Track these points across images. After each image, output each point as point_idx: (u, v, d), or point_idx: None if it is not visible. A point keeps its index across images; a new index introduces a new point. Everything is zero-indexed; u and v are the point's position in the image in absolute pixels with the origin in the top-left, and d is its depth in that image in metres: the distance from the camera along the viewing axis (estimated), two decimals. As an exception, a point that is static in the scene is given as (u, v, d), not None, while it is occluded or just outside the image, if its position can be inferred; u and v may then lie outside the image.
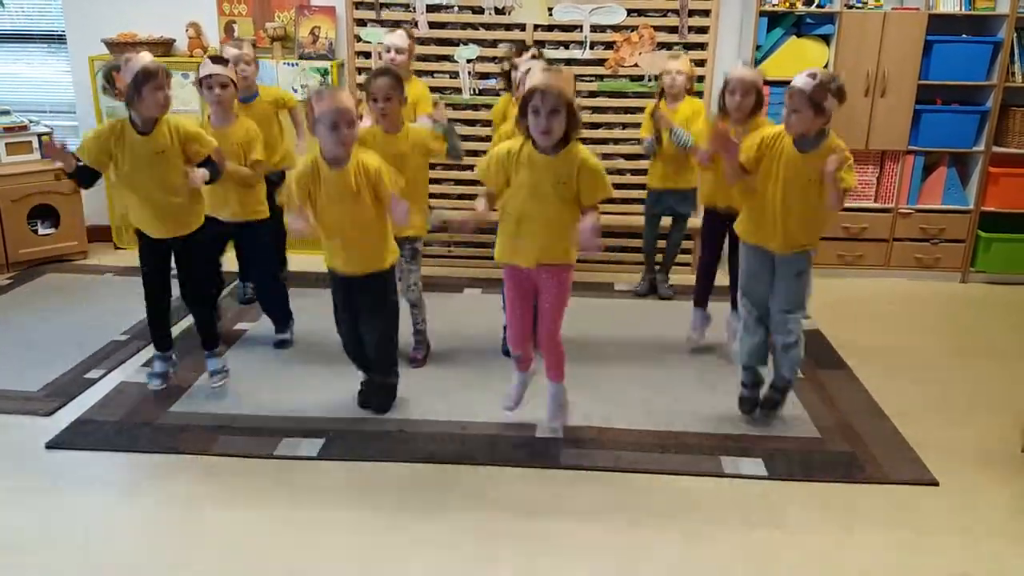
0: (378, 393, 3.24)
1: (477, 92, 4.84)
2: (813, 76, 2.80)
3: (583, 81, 4.83)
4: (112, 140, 3.07)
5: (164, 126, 3.09)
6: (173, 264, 3.30)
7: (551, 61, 4.73)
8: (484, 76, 4.77)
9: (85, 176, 3.15)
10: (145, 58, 3.03)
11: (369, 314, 3.10)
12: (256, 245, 3.80)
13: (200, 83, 3.54)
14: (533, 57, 3.72)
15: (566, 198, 2.73)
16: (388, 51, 4.05)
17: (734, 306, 3.67)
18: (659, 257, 4.66)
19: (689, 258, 4.93)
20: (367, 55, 4.85)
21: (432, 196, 4.38)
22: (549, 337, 2.95)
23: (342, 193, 2.90)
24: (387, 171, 2.93)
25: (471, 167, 4.73)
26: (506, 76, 3.94)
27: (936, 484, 2.84)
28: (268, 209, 3.72)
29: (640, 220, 4.61)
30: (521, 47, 3.93)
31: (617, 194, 4.88)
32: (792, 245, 2.98)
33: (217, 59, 3.58)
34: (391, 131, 3.40)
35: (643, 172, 4.81)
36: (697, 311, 3.91)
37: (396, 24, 4.80)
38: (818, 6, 4.67)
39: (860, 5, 4.64)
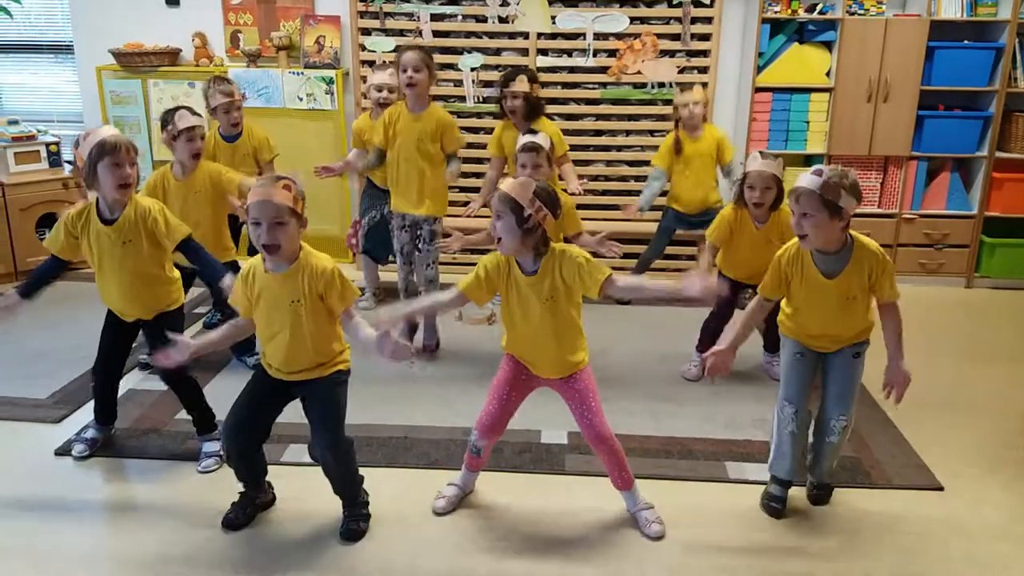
0: (351, 519, 2.59)
1: (481, 100, 4.87)
2: (819, 173, 2.40)
3: (586, 89, 4.85)
4: (79, 226, 2.74)
5: (131, 211, 2.71)
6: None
7: (553, 70, 4.78)
8: (488, 84, 4.80)
9: (40, 279, 2.80)
10: (105, 131, 2.67)
11: (321, 428, 2.48)
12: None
13: (178, 135, 3.37)
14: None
15: (560, 307, 2.47)
16: (379, 90, 4.01)
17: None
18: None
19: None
20: (372, 64, 4.88)
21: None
22: (598, 438, 2.57)
23: (279, 300, 2.39)
24: (344, 281, 2.40)
25: (474, 174, 4.79)
26: (499, 102, 3.97)
27: (941, 489, 2.84)
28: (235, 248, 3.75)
29: (645, 227, 4.61)
30: (514, 72, 3.92)
31: (621, 201, 4.91)
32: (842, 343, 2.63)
33: (195, 111, 3.48)
34: (416, 109, 3.51)
35: (646, 179, 4.82)
36: (700, 354, 3.67)
37: (400, 33, 4.85)
38: (820, 13, 4.69)
39: (862, 12, 4.66)
